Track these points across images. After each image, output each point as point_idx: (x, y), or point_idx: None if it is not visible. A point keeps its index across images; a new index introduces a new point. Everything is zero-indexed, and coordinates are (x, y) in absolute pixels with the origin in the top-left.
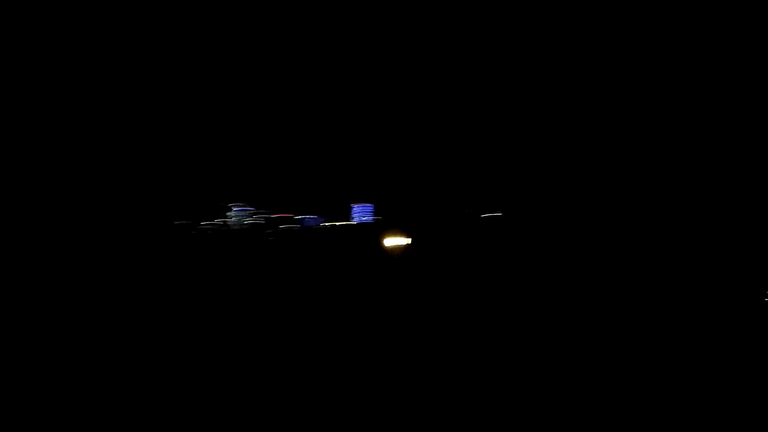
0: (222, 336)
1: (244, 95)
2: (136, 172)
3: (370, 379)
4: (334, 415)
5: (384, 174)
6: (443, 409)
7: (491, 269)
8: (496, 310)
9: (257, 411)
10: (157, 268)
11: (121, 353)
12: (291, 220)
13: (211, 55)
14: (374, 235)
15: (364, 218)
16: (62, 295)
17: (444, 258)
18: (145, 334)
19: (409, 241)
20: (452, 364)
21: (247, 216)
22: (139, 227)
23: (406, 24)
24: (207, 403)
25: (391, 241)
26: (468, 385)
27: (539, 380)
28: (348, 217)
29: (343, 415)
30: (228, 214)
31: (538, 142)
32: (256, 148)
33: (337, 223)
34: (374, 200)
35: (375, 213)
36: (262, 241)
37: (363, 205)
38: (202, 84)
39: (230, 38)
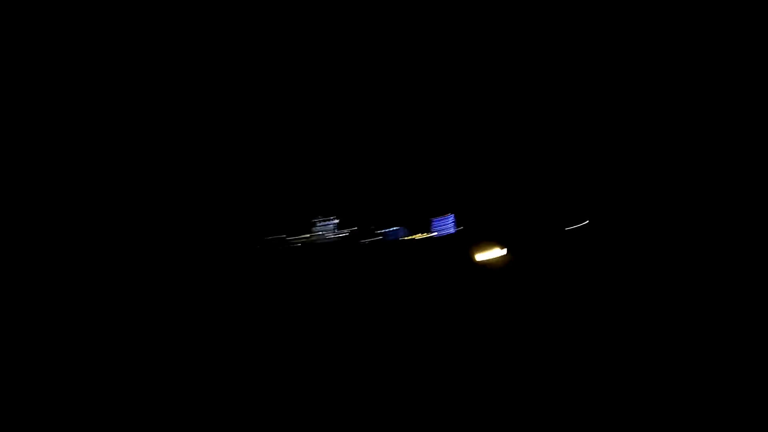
0: (310, 346)
1: (326, 110)
2: (226, 187)
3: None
4: None
5: (463, 183)
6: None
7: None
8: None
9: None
10: (250, 283)
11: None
12: (374, 234)
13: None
14: (465, 247)
15: (446, 230)
16: (151, 306)
17: (547, 271)
18: (232, 346)
19: (504, 252)
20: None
21: (332, 230)
22: (232, 242)
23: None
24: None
25: (487, 254)
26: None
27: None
28: (429, 230)
29: None
30: (314, 228)
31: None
32: (336, 162)
33: (421, 236)
34: (454, 210)
35: (456, 223)
36: (350, 253)
37: (444, 216)
38: (286, 100)
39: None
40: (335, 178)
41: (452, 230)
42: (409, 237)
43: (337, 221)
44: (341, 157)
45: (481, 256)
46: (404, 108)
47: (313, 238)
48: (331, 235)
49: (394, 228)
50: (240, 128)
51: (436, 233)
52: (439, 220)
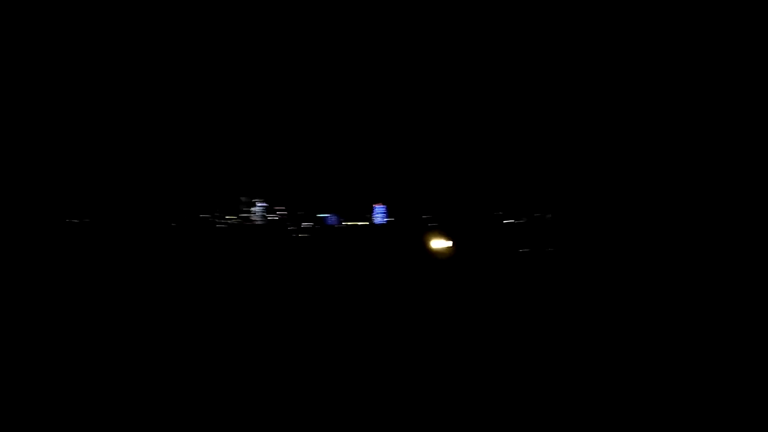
0: (248, 333)
1: (262, 91)
2: (157, 166)
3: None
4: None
5: (398, 173)
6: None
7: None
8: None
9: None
10: (181, 261)
11: (139, 349)
12: (310, 218)
13: (236, 52)
14: (414, 236)
15: (379, 219)
16: (75, 292)
17: (490, 261)
18: (164, 330)
19: (451, 243)
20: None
21: (268, 212)
22: (162, 220)
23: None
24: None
25: (437, 243)
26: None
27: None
28: (365, 218)
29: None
30: (252, 209)
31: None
32: (274, 144)
33: (359, 223)
34: (386, 201)
35: (387, 214)
36: (286, 237)
37: (379, 205)
38: (222, 79)
39: (246, 33)
40: (262, 159)
41: (384, 219)
42: (345, 224)
43: (265, 204)
44: (268, 138)
45: (431, 246)
46: (342, 91)
47: (250, 219)
48: (259, 218)
49: (329, 214)
50: (170, 101)
51: (374, 221)
52: (379, 208)
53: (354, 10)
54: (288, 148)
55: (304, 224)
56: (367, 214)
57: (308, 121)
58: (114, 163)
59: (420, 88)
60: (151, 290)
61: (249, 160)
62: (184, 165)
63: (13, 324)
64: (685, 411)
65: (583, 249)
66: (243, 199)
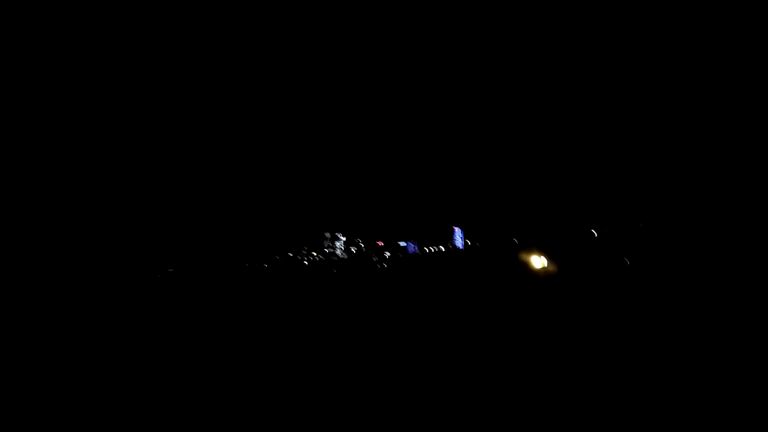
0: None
1: (325, 125)
2: (232, 200)
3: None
4: None
5: (474, 197)
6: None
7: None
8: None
9: None
10: (274, 297)
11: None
12: (391, 247)
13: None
14: (498, 258)
15: (456, 242)
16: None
17: (585, 279)
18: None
19: (547, 262)
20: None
21: (341, 246)
22: (251, 260)
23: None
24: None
25: (535, 263)
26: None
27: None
28: (444, 241)
29: None
30: (334, 243)
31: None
32: (347, 179)
33: (441, 248)
34: (461, 224)
35: (464, 237)
36: (370, 268)
37: (457, 228)
38: (294, 121)
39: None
40: (333, 194)
41: (460, 243)
42: (425, 249)
43: (344, 238)
44: (336, 171)
45: (530, 266)
46: (400, 121)
47: (335, 253)
48: (341, 251)
49: (408, 242)
50: (244, 141)
51: (453, 245)
52: (459, 231)
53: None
54: (360, 180)
55: (386, 254)
56: (447, 238)
57: (377, 152)
58: (197, 212)
59: (488, 106)
60: (245, 331)
61: (326, 195)
62: (264, 206)
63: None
64: (691, 410)
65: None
66: (327, 234)
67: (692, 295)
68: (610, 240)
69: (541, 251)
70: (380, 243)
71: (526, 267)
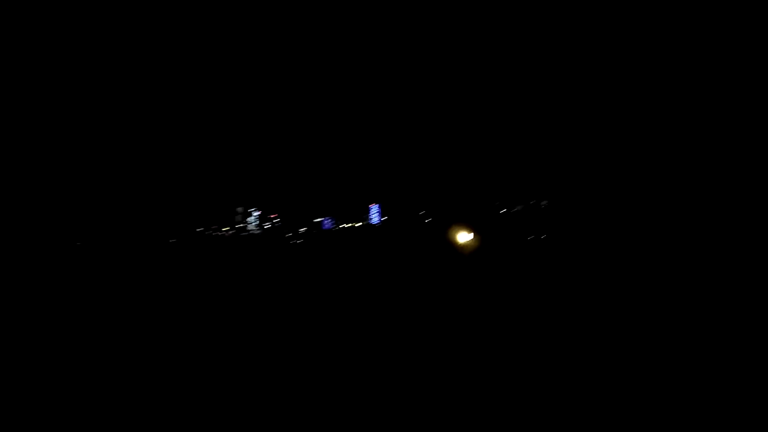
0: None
1: (251, 98)
2: (153, 178)
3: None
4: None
5: (388, 173)
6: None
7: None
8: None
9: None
10: (183, 272)
11: (139, 355)
12: (306, 223)
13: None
14: (422, 233)
15: (376, 219)
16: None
17: (513, 253)
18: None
19: (472, 236)
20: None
21: (255, 221)
22: (161, 233)
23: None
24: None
25: (462, 237)
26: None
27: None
28: (360, 218)
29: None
30: (247, 219)
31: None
32: (264, 151)
33: (356, 224)
34: (379, 200)
35: (381, 213)
36: (284, 244)
37: (374, 205)
38: (213, 88)
39: (238, 37)
40: (253, 168)
41: (377, 219)
42: (342, 226)
43: (259, 212)
44: (268, 145)
45: (456, 240)
46: (321, 95)
47: (247, 228)
48: (256, 227)
49: (324, 218)
50: (161, 116)
51: (370, 221)
52: (375, 207)
53: (343, 8)
54: (278, 155)
55: (300, 230)
56: (363, 214)
57: (295, 126)
58: (111, 178)
59: (406, 86)
60: (155, 300)
61: (241, 169)
62: (178, 179)
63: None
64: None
65: (578, 237)
66: (239, 209)
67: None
68: (519, 216)
69: (468, 226)
70: (295, 219)
71: (452, 240)
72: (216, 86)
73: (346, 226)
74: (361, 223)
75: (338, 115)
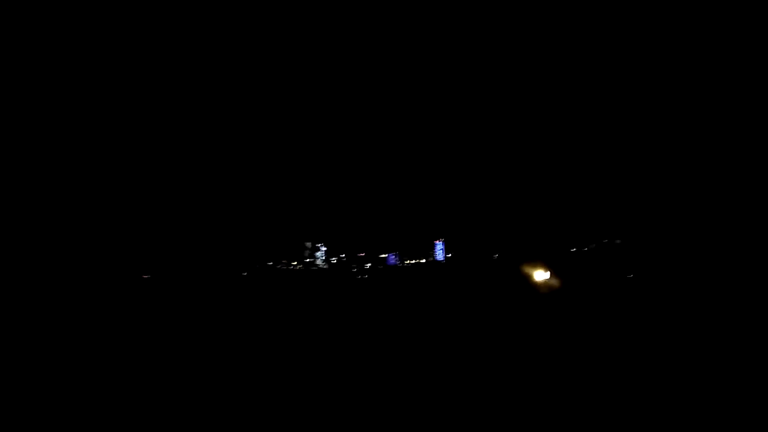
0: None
1: (317, 136)
2: (225, 208)
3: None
4: None
5: (455, 210)
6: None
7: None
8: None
9: None
10: (256, 307)
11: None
12: (372, 259)
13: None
14: (489, 270)
15: (440, 255)
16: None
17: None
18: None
19: (549, 275)
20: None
21: (330, 256)
22: (234, 266)
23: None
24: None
25: (539, 276)
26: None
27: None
28: (425, 254)
29: None
30: (315, 254)
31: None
32: (331, 186)
33: (422, 260)
34: (443, 237)
35: (446, 250)
36: (350, 279)
37: (438, 241)
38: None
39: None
40: (321, 204)
41: (441, 256)
42: (407, 261)
43: (325, 248)
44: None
45: (533, 278)
46: (385, 131)
47: (316, 263)
48: (322, 262)
49: (389, 254)
50: (227, 149)
51: (435, 258)
52: (440, 244)
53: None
54: (345, 190)
55: (366, 265)
56: (428, 250)
57: (365, 163)
58: (183, 216)
59: (470, 125)
60: (222, 331)
61: (309, 206)
62: (246, 214)
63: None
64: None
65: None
66: (307, 244)
67: (687, 302)
68: (598, 252)
69: (545, 265)
70: (361, 254)
71: (527, 279)
72: (284, 125)
73: (410, 262)
74: (425, 260)
75: (405, 153)
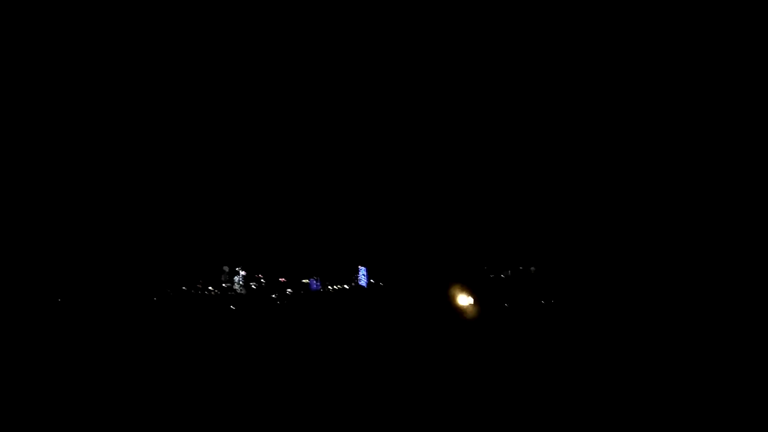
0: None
1: (241, 148)
2: (140, 238)
3: None
4: None
5: (379, 237)
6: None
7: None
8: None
9: None
10: (168, 331)
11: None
12: (293, 284)
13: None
14: (413, 296)
15: (364, 281)
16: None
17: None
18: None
19: (472, 300)
20: None
21: (249, 280)
22: (146, 290)
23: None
24: None
25: (462, 300)
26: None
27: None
28: (348, 279)
29: None
30: (233, 278)
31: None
32: (251, 207)
33: (345, 286)
34: (366, 263)
35: (369, 276)
36: (269, 304)
37: (362, 267)
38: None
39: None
40: (250, 228)
41: (364, 282)
42: (328, 287)
43: (244, 273)
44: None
45: (456, 303)
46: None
47: (233, 288)
48: (240, 287)
49: (311, 279)
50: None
51: (357, 284)
52: (363, 270)
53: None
54: (265, 215)
55: (287, 290)
56: (352, 275)
57: (284, 183)
58: (99, 236)
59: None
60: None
61: (227, 228)
62: (164, 237)
63: None
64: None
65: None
66: (225, 268)
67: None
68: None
69: (467, 289)
70: (282, 279)
71: (450, 302)
72: (207, 133)
73: (334, 287)
74: (348, 286)
75: (328, 172)
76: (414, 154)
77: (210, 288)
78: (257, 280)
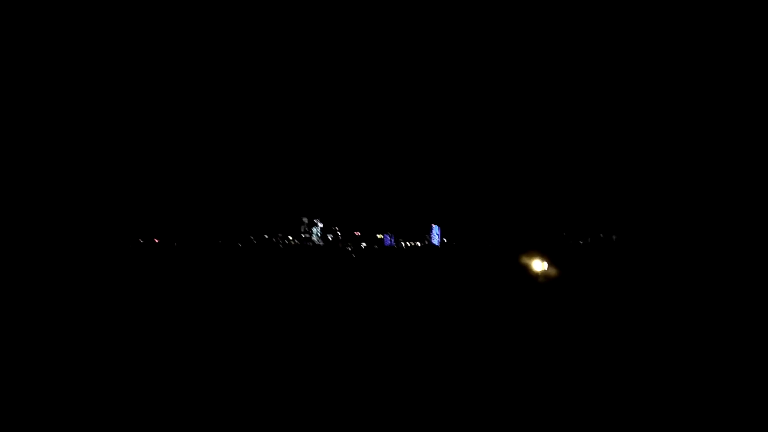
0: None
1: (323, 114)
2: (224, 186)
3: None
4: None
5: (455, 197)
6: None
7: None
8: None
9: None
10: (248, 279)
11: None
12: (368, 238)
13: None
14: (485, 256)
15: (436, 239)
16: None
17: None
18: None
19: (546, 266)
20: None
21: (328, 232)
22: (229, 241)
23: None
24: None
25: (537, 266)
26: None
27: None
28: (422, 237)
29: None
30: (311, 229)
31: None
32: (331, 166)
33: (417, 243)
34: (440, 222)
35: (441, 235)
36: (344, 257)
37: (435, 226)
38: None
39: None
40: (320, 180)
41: (437, 240)
42: (401, 243)
43: (321, 225)
44: (321, 160)
45: (536, 267)
46: (392, 118)
47: (311, 239)
48: (318, 238)
49: (385, 234)
50: (232, 129)
51: (430, 242)
52: (436, 228)
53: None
54: (347, 171)
55: (362, 244)
56: (425, 233)
57: (364, 144)
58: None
59: (477, 111)
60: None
61: (308, 181)
62: (246, 188)
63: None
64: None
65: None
66: (304, 220)
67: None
68: (592, 246)
69: (543, 255)
70: (357, 233)
71: (525, 269)
72: (286, 99)
73: (407, 244)
74: (420, 243)
75: (410, 135)
76: (496, 117)
77: (290, 237)
78: (334, 232)
